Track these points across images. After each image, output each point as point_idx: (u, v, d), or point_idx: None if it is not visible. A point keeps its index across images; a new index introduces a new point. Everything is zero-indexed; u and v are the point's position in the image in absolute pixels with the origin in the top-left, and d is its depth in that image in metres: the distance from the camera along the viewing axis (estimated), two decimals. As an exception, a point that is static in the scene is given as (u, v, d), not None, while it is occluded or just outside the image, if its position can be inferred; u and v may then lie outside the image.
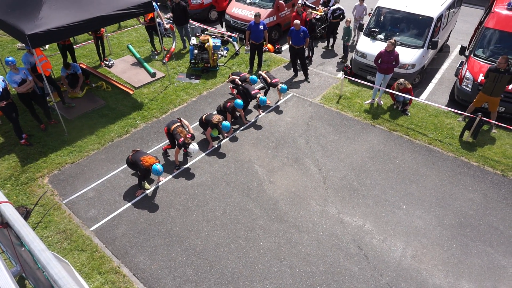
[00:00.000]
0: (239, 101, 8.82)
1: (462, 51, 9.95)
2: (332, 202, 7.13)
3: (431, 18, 10.33)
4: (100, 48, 11.45)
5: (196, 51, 11.21)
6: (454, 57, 12.41)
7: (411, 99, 9.43)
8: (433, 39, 10.32)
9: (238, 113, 9.20)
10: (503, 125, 8.59)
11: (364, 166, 7.94)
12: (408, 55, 10.17)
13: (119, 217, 6.85)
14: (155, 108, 9.66)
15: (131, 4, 8.74)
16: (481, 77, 9.06)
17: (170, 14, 13.74)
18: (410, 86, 9.33)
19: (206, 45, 11.10)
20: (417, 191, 7.36)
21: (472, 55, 9.75)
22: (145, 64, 11.39)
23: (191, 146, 7.45)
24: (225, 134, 8.74)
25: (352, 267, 6.00)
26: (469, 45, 11.33)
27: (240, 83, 9.70)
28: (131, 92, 10.20)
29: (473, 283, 5.80)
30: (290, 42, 10.72)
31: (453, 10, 11.97)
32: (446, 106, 9.66)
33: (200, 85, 10.67)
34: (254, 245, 6.34)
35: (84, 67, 11.13)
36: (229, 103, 8.90)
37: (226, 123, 8.26)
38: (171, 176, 7.71)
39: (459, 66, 10.14)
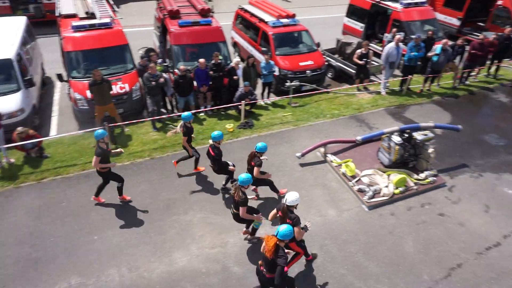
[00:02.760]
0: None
1: (60, 78, 10.30)
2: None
3: (10, 60, 9.94)
4: None
5: None
6: (60, 86, 12.70)
7: (40, 141, 9.02)
8: (25, 78, 10.04)
9: None
10: (129, 122, 9.92)
11: (36, 232, 7.08)
12: (11, 102, 9.50)
13: None
14: None
15: None
16: (88, 94, 9.80)
17: None
18: (32, 131, 8.85)
19: None
20: (100, 218, 7.45)
21: (71, 78, 10.32)
22: None
23: None
24: None
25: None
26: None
27: None
28: None
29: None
30: None
31: (29, 45, 12.00)
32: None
33: None
34: None
35: None
36: None
37: None
38: None
39: (68, 91, 10.55)
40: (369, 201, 7.83)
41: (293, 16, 13.51)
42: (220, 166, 7.82)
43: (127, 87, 10.46)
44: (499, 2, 16.60)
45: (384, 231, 7.26)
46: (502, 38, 12.77)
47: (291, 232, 5.05)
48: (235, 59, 11.18)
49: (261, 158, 7.27)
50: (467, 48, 12.96)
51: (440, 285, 6.27)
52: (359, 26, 16.61)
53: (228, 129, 10.26)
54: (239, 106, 10.59)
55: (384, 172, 8.56)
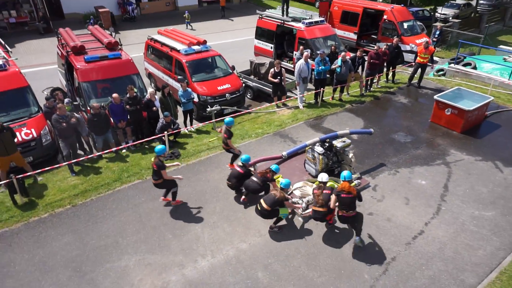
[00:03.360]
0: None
1: None
2: None
3: None
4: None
5: None
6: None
7: None
8: None
9: None
10: (42, 170, 9.01)
11: None
12: None
13: None
14: None
15: None
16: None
17: None
18: None
19: None
20: (19, 285, 6.53)
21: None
22: None
23: None
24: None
25: None
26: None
27: None
28: None
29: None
30: None
31: None
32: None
33: None
34: None
35: None
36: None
37: None
38: None
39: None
40: (303, 213, 8.05)
41: (204, 42, 13.69)
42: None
43: (34, 133, 9.55)
44: (385, 17, 18.82)
45: (322, 240, 7.50)
46: (392, 48, 14.40)
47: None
48: (149, 90, 10.89)
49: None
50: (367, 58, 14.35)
51: (380, 281, 6.62)
52: (269, 46, 17.45)
53: (154, 163, 9.87)
54: (163, 138, 10.29)
55: (313, 182, 8.91)
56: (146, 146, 10.79)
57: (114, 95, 10.04)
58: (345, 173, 7.16)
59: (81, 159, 9.68)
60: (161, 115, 10.68)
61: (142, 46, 16.20)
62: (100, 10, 24.64)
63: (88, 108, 10.04)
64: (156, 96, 10.96)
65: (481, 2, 29.36)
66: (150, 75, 15.47)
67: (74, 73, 11.13)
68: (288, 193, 8.56)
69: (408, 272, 6.79)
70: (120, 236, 7.56)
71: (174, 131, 10.61)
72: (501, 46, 19.00)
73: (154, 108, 10.72)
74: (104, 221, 7.93)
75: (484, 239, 7.48)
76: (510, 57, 15.90)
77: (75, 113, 9.81)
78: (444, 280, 6.63)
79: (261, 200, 7.45)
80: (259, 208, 7.46)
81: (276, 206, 7.35)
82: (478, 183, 9.10)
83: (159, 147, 7.93)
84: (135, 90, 10.60)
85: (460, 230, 7.70)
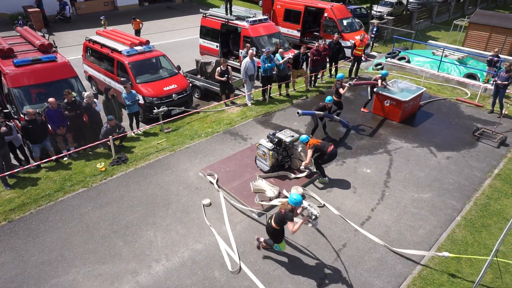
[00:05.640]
0: None
1: None
2: None
3: None
4: None
5: None
6: None
7: None
8: None
9: None
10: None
11: None
12: None
13: None
14: None
15: None
16: None
17: None
18: None
19: None
20: None
21: None
22: None
23: None
24: None
25: None
26: None
27: None
28: None
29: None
30: None
31: None
32: None
33: None
34: None
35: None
36: None
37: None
38: None
39: None
40: (259, 205, 8.15)
41: (147, 42, 13.32)
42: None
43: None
44: (325, 14, 19.53)
45: (276, 233, 7.64)
46: (333, 44, 14.98)
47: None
48: (85, 94, 10.33)
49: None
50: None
51: (332, 268, 6.89)
52: (214, 45, 17.38)
53: (100, 169, 9.44)
54: (108, 142, 9.87)
55: (265, 178, 9.05)
56: (90, 153, 10.29)
57: (50, 99, 9.44)
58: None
59: (16, 170, 9.00)
60: (104, 119, 10.24)
61: (80, 48, 15.40)
62: (29, 10, 22.94)
63: (22, 116, 9.34)
64: (96, 100, 10.48)
65: (411, 0, 31.46)
66: (90, 78, 14.74)
67: (3, 78, 10.31)
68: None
69: (358, 256, 7.14)
70: (65, 249, 7.14)
71: (120, 135, 10.23)
72: (430, 41, 20.53)
73: (96, 107, 10.30)
74: (47, 235, 7.45)
75: (423, 219, 8.06)
76: (438, 51, 17.25)
77: (6, 122, 9.09)
78: (391, 260, 7.06)
79: (273, 215, 6.59)
80: (268, 221, 6.65)
81: (283, 225, 6.41)
82: (416, 168, 9.78)
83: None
84: (74, 94, 10.06)
85: (402, 213, 8.24)
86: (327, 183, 9.10)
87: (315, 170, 9.19)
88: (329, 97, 10.54)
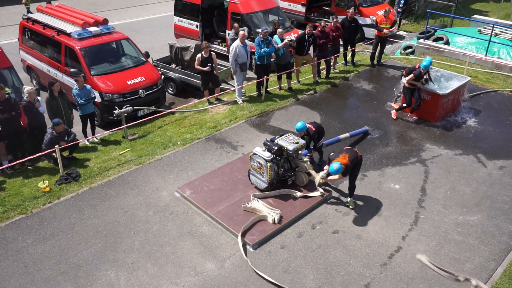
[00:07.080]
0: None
1: None
2: None
3: None
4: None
5: None
6: None
7: None
8: None
9: None
10: None
11: None
12: None
13: None
14: None
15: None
16: None
17: None
18: None
19: None
20: None
21: None
22: None
23: None
24: None
25: None
26: None
27: None
28: None
29: None
30: None
31: None
32: None
33: None
34: None
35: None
36: None
37: None
38: None
39: None
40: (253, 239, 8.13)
41: (105, 22, 13.38)
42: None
43: None
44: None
45: (278, 271, 7.60)
46: (347, 22, 15.00)
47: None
48: (26, 88, 10.30)
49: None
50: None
51: (353, 316, 6.88)
52: (194, 25, 17.48)
53: (43, 189, 9.39)
54: (53, 154, 9.84)
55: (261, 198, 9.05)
56: (29, 168, 10.25)
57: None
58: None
59: None
60: (49, 124, 10.22)
61: (15, 29, 15.38)
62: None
63: None
64: (39, 98, 10.47)
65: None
66: (29, 69, 14.75)
67: None
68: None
69: (386, 301, 7.13)
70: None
71: (69, 144, 10.21)
72: (475, 16, 20.78)
73: (40, 107, 10.31)
74: None
75: (471, 249, 8.08)
76: (485, 28, 17.45)
77: None
78: (429, 305, 7.07)
79: None
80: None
81: None
82: (459, 182, 9.83)
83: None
84: (8, 90, 10.05)
85: (443, 241, 8.25)
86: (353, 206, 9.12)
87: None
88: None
